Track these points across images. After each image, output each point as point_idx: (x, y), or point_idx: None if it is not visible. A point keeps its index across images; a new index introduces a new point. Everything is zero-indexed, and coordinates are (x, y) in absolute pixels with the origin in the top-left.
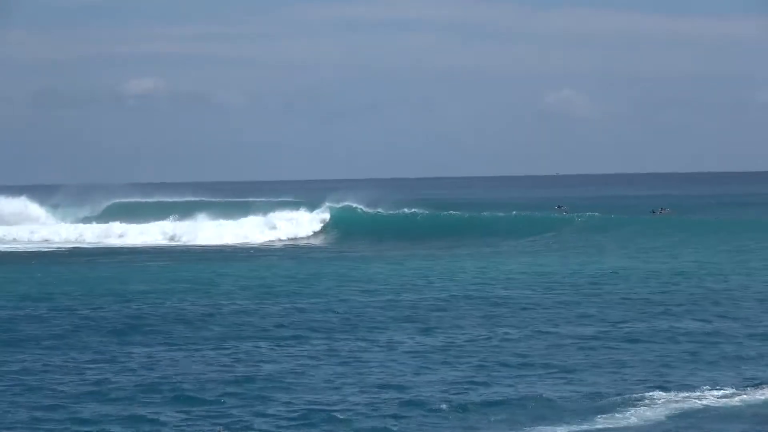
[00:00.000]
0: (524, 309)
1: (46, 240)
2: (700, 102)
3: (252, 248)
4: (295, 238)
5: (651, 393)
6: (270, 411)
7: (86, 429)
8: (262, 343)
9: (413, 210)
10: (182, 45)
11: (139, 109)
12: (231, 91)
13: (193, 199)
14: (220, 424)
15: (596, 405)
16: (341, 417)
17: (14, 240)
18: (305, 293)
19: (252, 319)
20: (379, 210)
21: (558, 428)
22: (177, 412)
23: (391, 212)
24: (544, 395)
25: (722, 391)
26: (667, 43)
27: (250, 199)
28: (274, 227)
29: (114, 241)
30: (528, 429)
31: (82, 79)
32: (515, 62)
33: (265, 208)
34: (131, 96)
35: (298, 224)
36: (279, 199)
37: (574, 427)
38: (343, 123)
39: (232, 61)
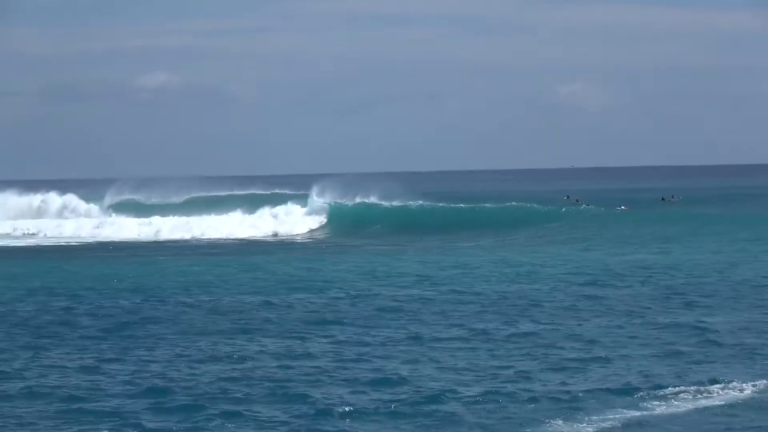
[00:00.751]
0: (550, 302)
1: (33, 234)
2: (708, 94)
3: (263, 242)
4: (306, 232)
5: (683, 386)
6: (312, 406)
7: (117, 421)
8: (303, 337)
9: (419, 202)
10: (189, 40)
11: (149, 104)
12: (238, 85)
13: (205, 194)
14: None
15: (625, 398)
16: (376, 408)
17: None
18: (335, 287)
19: (289, 313)
20: (390, 203)
21: (590, 420)
22: (218, 405)
23: (399, 204)
24: (573, 389)
25: (758, 383)
26: (674, 35)
27: (255, 192)
28: (279, 221)
29: (115, 234)
30: (558, 421)
31: (91, 74)
32: (520, 55)
33: (273, 201)
34: (141, 90)
35: (306, 217)
36: (289, 192)
37: (604, 420)
38: (352, 116)
39: (238, 56)
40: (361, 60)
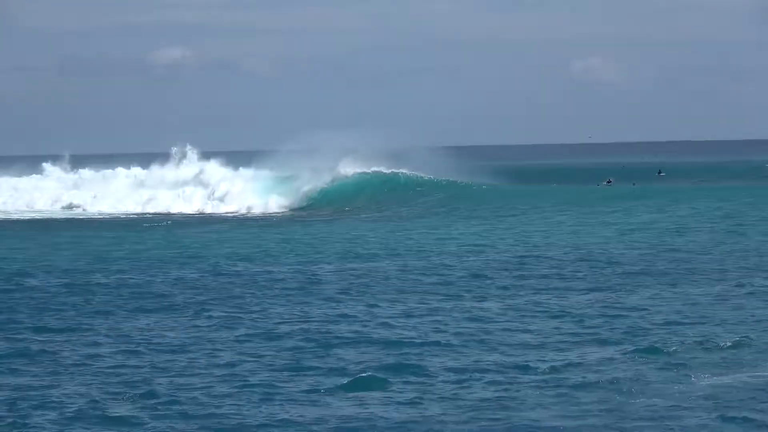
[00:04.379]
0: (615, 264)
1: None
2: (728, 68)
3: (285, 213)
4: (325, 204)
5: None
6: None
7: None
8: (359, 305)
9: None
10: (205, 14)
11: (165, 79)
12: (256, 59)
13: None
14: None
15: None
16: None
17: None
18: (382, 256)
19: (346, 281)
20: (403, 171)
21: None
22: (269, 373)
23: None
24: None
25: None
26: (698, 8)
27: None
28: (304, 192)
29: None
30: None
31: (109, 49)
32: (542, 29)
33: (299, 175)
34: (157, 65)
35: (324, 190)
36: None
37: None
38: (370, 90)
39: (256, 30)
40: (384, 34)
